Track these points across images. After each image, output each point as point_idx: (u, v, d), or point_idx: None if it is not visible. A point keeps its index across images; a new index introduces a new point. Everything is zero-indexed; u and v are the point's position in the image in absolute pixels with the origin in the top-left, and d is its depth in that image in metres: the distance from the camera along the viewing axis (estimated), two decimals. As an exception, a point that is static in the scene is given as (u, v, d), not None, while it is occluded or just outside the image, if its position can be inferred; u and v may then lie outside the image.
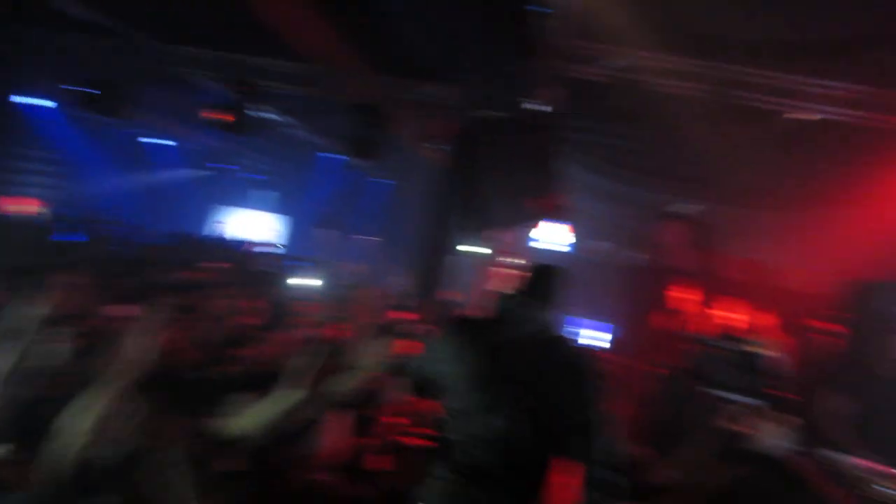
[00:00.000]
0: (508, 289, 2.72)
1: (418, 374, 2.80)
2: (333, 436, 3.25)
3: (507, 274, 2.91)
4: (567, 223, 11.05)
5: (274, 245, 13.78)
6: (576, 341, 2.80)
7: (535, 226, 9.50)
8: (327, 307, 4.47)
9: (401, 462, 3.82)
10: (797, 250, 9.02)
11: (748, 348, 2.93)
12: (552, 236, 11.21)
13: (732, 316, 5.58)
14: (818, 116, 6.53)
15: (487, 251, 8.35)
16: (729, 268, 8.79)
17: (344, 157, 12.29)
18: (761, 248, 9.32)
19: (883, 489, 2.82)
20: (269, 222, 15.52)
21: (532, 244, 10.11)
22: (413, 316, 5.02)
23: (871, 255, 6.80)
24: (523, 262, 2.90)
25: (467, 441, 2.45)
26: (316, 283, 6.23)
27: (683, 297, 6.40)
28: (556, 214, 9.01)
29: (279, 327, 4.22)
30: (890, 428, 4.11)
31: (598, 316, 10.83)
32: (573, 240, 11.58)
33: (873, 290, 5.06)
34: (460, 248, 8.76)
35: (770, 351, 4.36)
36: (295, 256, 11.45)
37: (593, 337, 10.06)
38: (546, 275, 2.72)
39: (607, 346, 9.51)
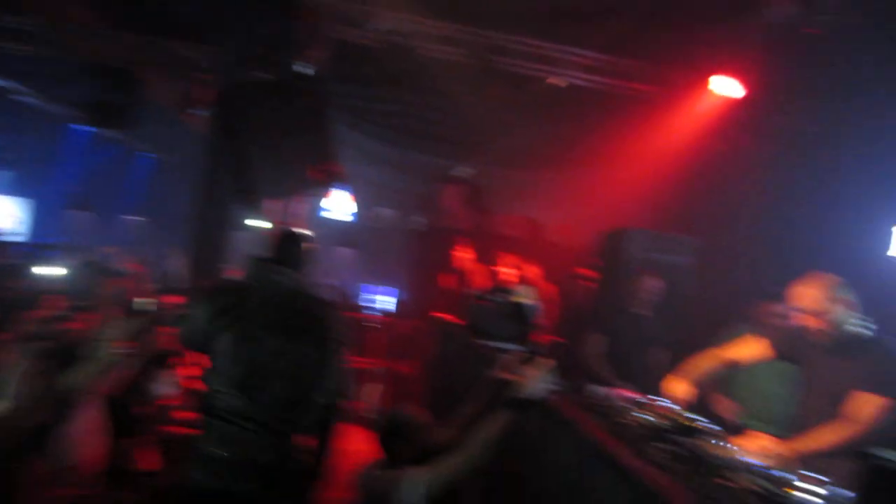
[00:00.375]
0: (260, 254, 2.80)
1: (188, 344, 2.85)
2: (85, 439, 2.89)
3: (262, 238, 2.90)
4: (348, 191, 10.94)
5: (10, 232, 11.81)
6: (324, 300, 2.85)
7: (315, 195, 9.24)
8: (72, 297, 3.89)
9: (171, 456, 3.52)
10: (562, 207, 9.84)
11: (516, 299, 3.09)
12: (334, 205, 11.05)
13: (505, 270, 5.90)
14: (572, 82, 7.09)
15: (268, 223, 7.95)
16: (502, 225, 9.31)
17: (94, 129, 10.84)
18: (531, 206, 10.03)
19: (638, 415, 3.10)
20: (5, 207, 13.28)
21: (314, 213, 9.84)
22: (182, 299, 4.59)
23: (620, 207, 7.63)
24: (303, 231, 2.86)
25: (227, 411, 2.53)
26: (62, 271, 5.41)
27: (463, 256, 6.65)
28: (335, 182, 8.84)
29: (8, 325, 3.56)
30: (642, 358, 4.62)
31: (385, 281, 10.96)
32: (356, 208, 11.55)
33: (622, 237, 5.64)
34: (240, 222, 8.23)
35: (535, 300, 4.66)
36: (38, 244, 9.93)
37: (382, 302, 10.16)
38: (291, 240, 2.82)
39: (395, 309, 9.66)
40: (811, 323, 2.95)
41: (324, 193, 9.64)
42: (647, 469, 2.29)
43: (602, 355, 4.62)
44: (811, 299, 2.95)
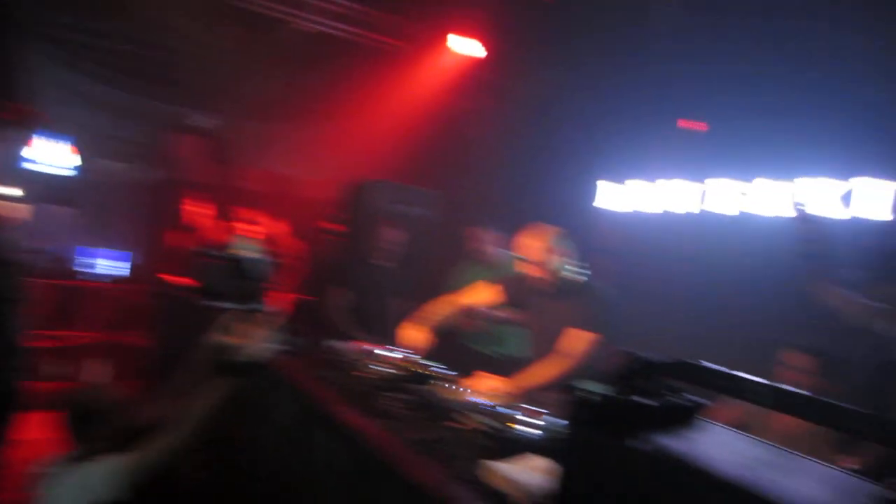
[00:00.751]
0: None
1: None
2: None
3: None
4: (68, 141, 9.41)
5: None
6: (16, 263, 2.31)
7: (11, 141, 7.71)
8: None
9: None
10: (310, 161, 9.50)
11: (240, 254, 2.80)
12: (46, 156, 9.43)
13: (247, 227, 5.50)
14: (320, 30, 6.73)
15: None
16: (246, 180, 8.76)
17: None
18: (278, 160, 9.55)
19: (374, 367, 3.04)
20: None
21: (11, 164, 8.25)
22: None
23: (367, 160, 7.56)
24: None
25: None
26: None
27: (200, 211, 6.07)
28: (36, 127, 7.46)
29: None
30: (385, 310, 4.61)
31: (114, 243, 9.70)
32: (78, 160, 9.97)
33: (366, 189, 5.55)
34: None
35: (262, 254, 4.40)
36: None
37: (109, 266, 8.98)
38: None
39: (127, 274, 8.60)
40: (533, 271, 3.16)
41: (24, 141, 8.10)
42: (367, 423, 2.20)
43: (344, 309, 4.52)
44: (533, 250, 3.15)
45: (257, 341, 2.20)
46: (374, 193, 5.48)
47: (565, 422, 1.44)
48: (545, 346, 3.11)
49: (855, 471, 1.18)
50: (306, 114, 9.07)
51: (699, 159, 5.03)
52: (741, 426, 2.83)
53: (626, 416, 1.31)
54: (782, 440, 3.00)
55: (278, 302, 3.57)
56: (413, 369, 3.03)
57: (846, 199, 3.93)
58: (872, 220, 3.78)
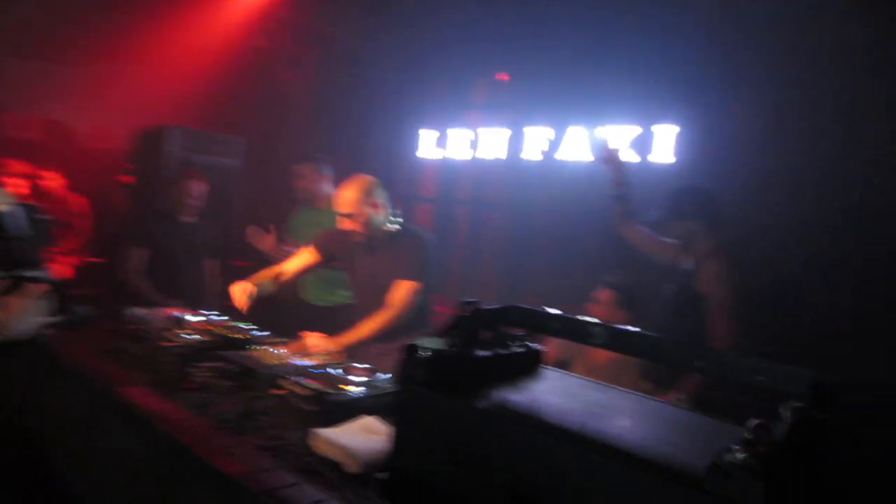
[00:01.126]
0: None
1: None
2: None
3: None
4: None
5: None
6: None
7: None
8: None
9: None
10: (92, 106, 8.37)
11: (11, 211, 2.26)
12: None
13: (11, 180, 4.68)
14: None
15: None
16: (12, 127, 7.52)
17: None
18: (53, 105, 8.28)
19: (183, 335, 2.73)
20: None
21: None
22: None
23: (159, 105, 6.77)
24: None
25: None
26: None
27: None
28: None
29: None
30: (191, 270, 4.20)
31: None
32: None
33: (159, 136, 4.94)
34: None
35: (43, 213, 3.76)
36: None
37: None
38: None
39: None
40: (349, 225, 3.02)
41: None
42: (167, 405, 1.91)
43: (142, 270, 4.04)
44: (347, 203, 3.00)
45: (22, 314, 1.80)
46: (170, 140, 4.89)
47: (398, 380, 1.32)
48: (371, 298, 3.01)
49: (702, 411, 1.19)
50: (85, 52, 7.92)
51: (515, 108, 5.13)
52: (559, 363, 2.96)
53: (460, 371, 1.22)
54: (592, 371, 3.21)
55: (56, 267, 3.05)
56: (229, 335, 2.75)
57: (640, 144, 4.20)
58: (660, 164, 4.09)
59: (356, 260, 3.17)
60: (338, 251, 3.22)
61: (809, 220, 3.36)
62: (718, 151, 3.68)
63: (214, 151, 5.13)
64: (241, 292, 2.98)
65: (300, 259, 3.28)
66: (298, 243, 3.63)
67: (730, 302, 2.86)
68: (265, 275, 3.20)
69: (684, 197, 3.09)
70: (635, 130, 4.22)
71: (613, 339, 1.16)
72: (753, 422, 0.86)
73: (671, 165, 4.05)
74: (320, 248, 3.25)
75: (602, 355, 3.22)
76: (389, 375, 2.31)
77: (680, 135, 4.04)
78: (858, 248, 3.23)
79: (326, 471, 1.67)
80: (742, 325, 2.83)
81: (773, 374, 0.97)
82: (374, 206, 3.00)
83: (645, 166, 4.11)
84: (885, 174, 3.17)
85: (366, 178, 3.07)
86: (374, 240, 3.05)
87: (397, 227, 3.09)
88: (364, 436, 1.83)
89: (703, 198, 3.07)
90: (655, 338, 1.12)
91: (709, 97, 3.79)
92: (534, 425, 1.05)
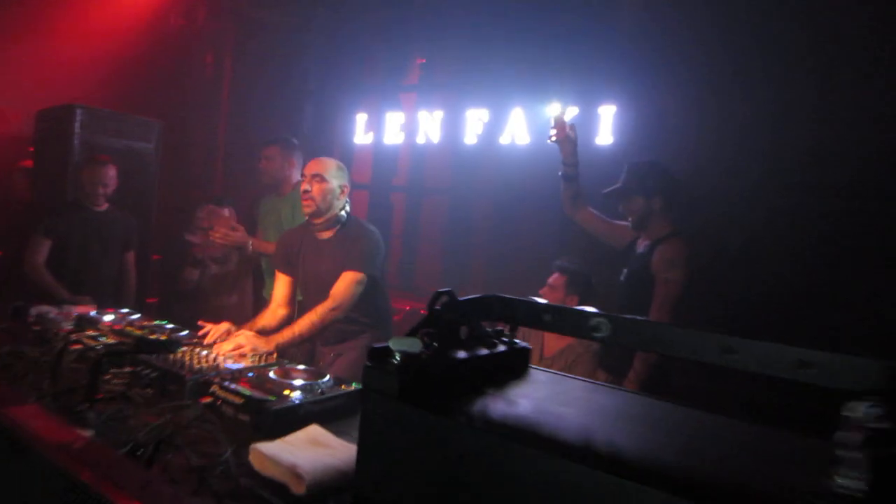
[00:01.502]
0: None
1: None
2: None
3: None
4: None
5: None
6: None
7: None
8: None
9: None
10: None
11: None
12: None
13: None
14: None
15: None
16: None
17: None
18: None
19: (88, 336, 2.43)
20: None
21: None
22: None
23: (65, 85, 6.21)
24: None
25: None
26: None
27: None
28: None
29: None
30: (101, 262, 3.82)
31: None
32: None
33: (65, 118, 4.44)
34: None
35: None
36: None
37: None
38: None
39: None
40: (311, 206, 2.81)
41: None
42: (64, 431, 1.54)
43: (45, 264, 3.63)
44: (319, 185, 2.81)
45: None
46: (77, 122, 4.41)
47: (364, 390, 1.08)
48: (319, 295, 2.76)
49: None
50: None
51: (452, 90, 4.96)
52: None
53: (440, 379, 1.00)
54: (543, 361, 3.06)
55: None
56: (144, 337, 2.43)
57: (584, 124, 4.08)
58: (600, 145, 3.99)
59: (305, 256, 2.93)
60: (293, 255, 2.97)
61: (750, 197, 3.33)
62: (656, 132, 3.63)
63: (127, 134, 4.67)
64: (219, 332, 2.59)
65: (280, 290, 2.98)
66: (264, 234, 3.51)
67: (681, 288, 2.77)
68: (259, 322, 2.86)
69: (644, 171, 2.96)
70: (573, 111, 4.09)
71: (622, 334, 0.97)
72: (850, 436, 0.67)
73: (610, 146, 3.96)
74: (284, 263, 3.00)
75: (554, 344, 3.08)
76: (329, 378, 2.07)
77: (617, 115, 3.96)
78: (794, 226, 3.22)
79: (268, 495, 1.41)
80: (687, 309, 2.74)
81: (829, 366, 0.79)
82: (343, 189, 2.85)
83: (584, 147, 4.01)
84: (824, 148, 3.16)
85: (335, 161, 2.91)
86: (328, 225, 2.85)
87: (343, 215, 2.88)
88: (311, 449, 1.58)
89: (662, 174, 2.96)
90: (678, 331, 0.93)
91: (645, 77, 3.72)
92: (545, 445, 0.83)
